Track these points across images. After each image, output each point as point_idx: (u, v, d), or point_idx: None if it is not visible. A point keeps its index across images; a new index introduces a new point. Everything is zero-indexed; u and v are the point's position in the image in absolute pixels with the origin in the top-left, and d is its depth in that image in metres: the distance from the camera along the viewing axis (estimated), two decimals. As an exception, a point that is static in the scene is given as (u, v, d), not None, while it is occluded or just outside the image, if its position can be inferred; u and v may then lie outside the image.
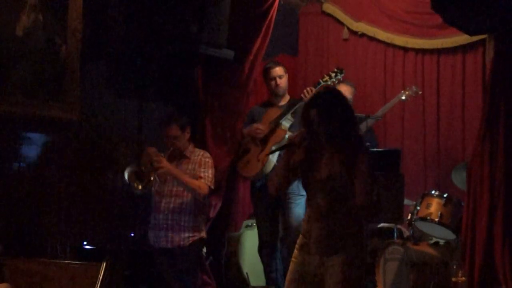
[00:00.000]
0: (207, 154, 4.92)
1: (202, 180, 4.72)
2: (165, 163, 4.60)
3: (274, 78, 5.48)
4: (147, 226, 4.85)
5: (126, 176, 4.56)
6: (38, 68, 4.72)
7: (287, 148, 3.39)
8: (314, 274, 3.31)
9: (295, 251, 3.42)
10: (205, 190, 4.73)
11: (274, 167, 4.97)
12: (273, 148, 3.79)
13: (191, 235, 4.76)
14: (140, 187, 4.59)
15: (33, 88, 4.70)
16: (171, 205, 4.74)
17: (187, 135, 4.85)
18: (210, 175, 4.80)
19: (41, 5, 4.71)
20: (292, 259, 3.43)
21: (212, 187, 4.82)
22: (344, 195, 3.26)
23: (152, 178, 4.62)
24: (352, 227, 3.28)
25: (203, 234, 4.87)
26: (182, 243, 4.72)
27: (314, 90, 5.48)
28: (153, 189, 4.83)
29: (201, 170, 4.78)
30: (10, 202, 4.56)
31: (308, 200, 3.43)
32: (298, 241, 3.43)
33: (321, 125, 3.28)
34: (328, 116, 3.29)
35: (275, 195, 3.73)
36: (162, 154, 4.65)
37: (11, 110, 4.54)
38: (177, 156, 4.82)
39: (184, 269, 4.76)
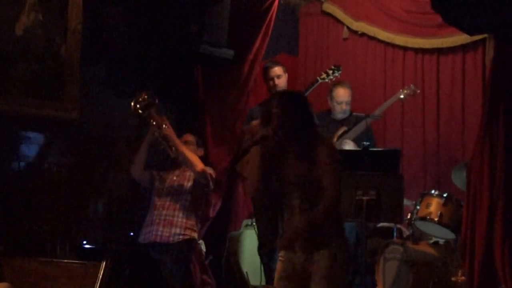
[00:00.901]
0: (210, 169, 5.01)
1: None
2: (168, 124, 4.76)
3: (273, 78, 5.48)
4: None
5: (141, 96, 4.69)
6: (37, 68, 4.72)
7: (262, 142, 3.39)
8: (301, 270, 3.35)
9: (281, 251, 3.47)
10: (201, 166, 4.78)
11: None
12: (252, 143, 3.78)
13: (182, 232, 4.77)
14: (140, 111, 4.70)
15: (33, 87, 4.70)
16: (167, 203, 4.78)
17: (199, 153, 5.02)
18: (210, 169, 4.91)
19: (40, 5, 4.71)
20: (279, 258, 3.47)
21: (211, 173, 4.87)
22: (316, 192, 3.29)
23: (153, 123, 4.72)
24: (330, 221, 3.32)
25: (195, 235, 4.88)
26: (171, 239, 4.73)
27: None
28: (154, 190, 4.84)
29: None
30: (9, 201, 4.56)
31: (284, 202, 3.45)
32: (281, 240, 3.47)
33: (281, 126, 3.33)
34: (286, 117, 3.34)
35: (254, 199, 3.74)
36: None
37: (10, 109, 4.54)
38: (174, 166, 4.94)
39: (174, 267, 4.76)
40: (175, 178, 4.90)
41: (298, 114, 3.38)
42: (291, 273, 3.37)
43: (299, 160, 3.33)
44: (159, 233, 4.73)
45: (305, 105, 3.46)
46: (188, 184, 4.87)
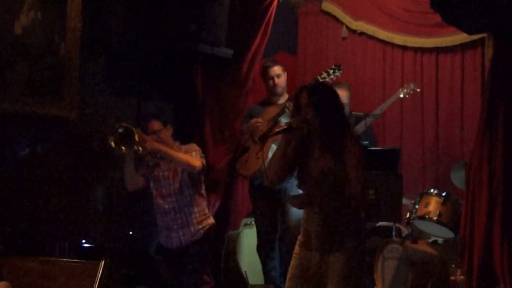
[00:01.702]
0: (194, 145, 4.90)
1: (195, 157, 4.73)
2: (150, 140, 4.62)
3: (272, 77, 5.48)
4: (152, 229, 4.86)
5: (112, 134, 4.57)
6: (37, 66, 4.72)
7: (285, 132, 3.36)
8: (315, 271, 3.31)
9: (296, 247, 3.42)
10: (197, 162, 4.70)
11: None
12: (274, 131, 3.75)
13: (201, 226, 4.81)
14: (123, 148, 4.56)
15: (32, 86, 4.70)
16: (175, 204, 4.76)
17: (170, 131, 4.86)
18: (198, 154, 4.78)
19: (40, 3, 4.71)
20: (294, 254, 3.43)
21: (204, 162, 4.79)
22: (339, 191, 3.25)
23: (136, 139, 4.55)
24: (350, 222, 3.28)
25: (210, 220, 4.92)
26: (195, 237, 4.76)
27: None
28: (153, 191, 4.82)
29: (187, 154, 4.77)
30: (8, 200, 4.56)
31: (306, 194, 3.41)
32: (299, 237, 3.43)
33: (314, 118, 3.28)
34: (321, 110, 3.29)
35: (270, 186, 3.70)
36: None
37: (9, 108, 4.53)
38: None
39: (195, 264, 4.78)
40: (166, 173, 4.82)
41: (331, 107, 3.33)
42: (305, 272, 3.34)
43: (326, 155, 3.28)
44: (182, 237, 4.75)
45: (337, 99, 3.40)
46: (183, 176, 4.81)
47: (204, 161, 4.79)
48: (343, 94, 5.80)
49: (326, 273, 3.28)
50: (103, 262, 4.20)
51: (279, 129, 3.50)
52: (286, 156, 3.35)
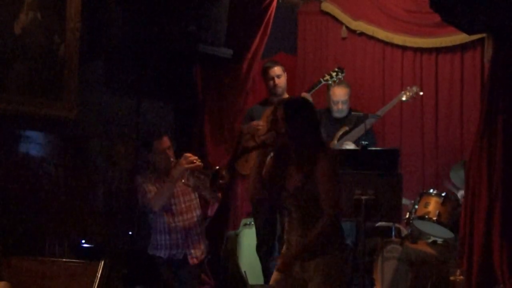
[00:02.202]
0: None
1: None
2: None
3: (273, 78, 5.48)
4: (153, 245, 4.79)
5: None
6: (36, 67, 4.71)
7: (260, 148, 3.37)
8: (297, 278, 3.35)
9: (279, 259, 3.47)
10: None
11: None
12: (249, 148, 3.79)
13: (206, 243, 4.83)
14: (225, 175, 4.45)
15: (31, 86, 4.69)
16: (186, 222, 4.72)
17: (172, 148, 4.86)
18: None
19: (39, 4, 4.70)
20: (276, 266, 3.48)
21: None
22: (314, 204, 3.27)
23: (224, 173, 4.43)
24: (328, 232, 3.29)
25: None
26: (203, 256, 4.77)
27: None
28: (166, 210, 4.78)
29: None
30: (7, 200, 4.55)
31: (285, 210, 3.45)
32: (282, 250, 3.49)
33: (288, 133, 3.29)
34: (294, 125, 3.29)
35: (253, 202, 3.73)
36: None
37: (9, 108, 4.53)
38: (164, 171, 4.76)
39: (190, 275, 4.77)
40: (181, 189, 4.79)
41: (303, 122, 3.32)
42: (287, 280, 3.37)
43: (299, 170, 3.29)
44: (192, 255, 4.71)
45: (312, 113, 3.40)
46: (195, 198, 4.83)
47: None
48: (341, 92, 5.80)
49: (307, 280, 3.32)
50: (102, 262, 4.19)
51: (253, 146, 3.52)
52: (262, 171, 3.38)
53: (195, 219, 4.75)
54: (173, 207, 4.71)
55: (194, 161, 4.56)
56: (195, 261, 4.71)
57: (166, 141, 4.72)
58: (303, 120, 3.33)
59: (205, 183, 4.62)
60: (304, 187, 3.27)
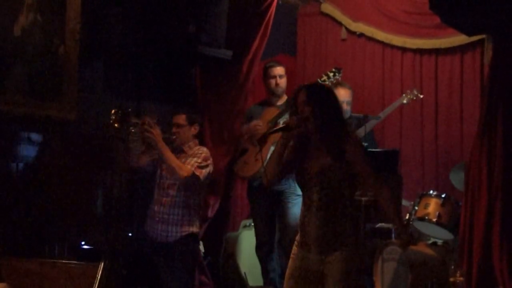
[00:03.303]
0: (204, 148, 4.85)
1: (187, 166, 4.65)
2: (155, 130, 4.56)
3: (275, 77, 5.47)
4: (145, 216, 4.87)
5: (112, 111, 4.54)
6: (36, 68, 4.72)
7: (283, 131, 3.37)
8: (314, 271, 3.31)
9: (294, 248, 3.42)
10: (186, 173, 4.59)
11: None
12: (270, 130, 3.79)
13: (179, 229, 4.72)
14: (116, 124, 4.53)
15: (31, 88, 4.69)
16: (165, 198, 4.74)
17: (194, 131, 4.84)
18: (196, 163, 4.68)
19: (39, 5, 4.71)
20: (292, 255, 3.43)
21: (197, 173, 4.66)
22: (338, 190, 3.27)
23: (132, 130, 4.56)
24: (348, 221, 3.29)
25: (195, 228, 4.79)
26: (168, 239, 4.72)
27: None
28: (156, 180, 4.82)
29: (188, 159, 4.71)
30: (7, 202, 4.55)
31: (303, 197, 3.42)
32: (297, 237, 3.43)
33: (312, 117, 3.29)
34: (318, 108, 3.30)
35: (268, 186, 3.71)
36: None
37: (8, 109, 4.53)
38: (175, 149, 4.76)
39: (174, 265, 4.74)
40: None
41: (329, 106, 3.33)
42: (304, 272, 3.34)
43: (324, 154, 3.28)
44: (162, 232, 4.72)
45: (335, 98, 3.42)
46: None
47: (201, 172, 4.68)
48: (345, 93, 5.80)
49: (325, 273, 3.28)
50: (102, 264, 4.19)
51: (277, 128, 3.51)
52: (284, 155, 3.36)
53: (172, 197, 4.72)
54: (161, 180, 4.77)
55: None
56: (162, 239, 4.71)
57: (178, 118, 4.83)
58: (327, 103, 3.34)
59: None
60: (330, 169, 3.25)
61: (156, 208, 4.76)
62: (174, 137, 4.78)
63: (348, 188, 3.29)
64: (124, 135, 4.69)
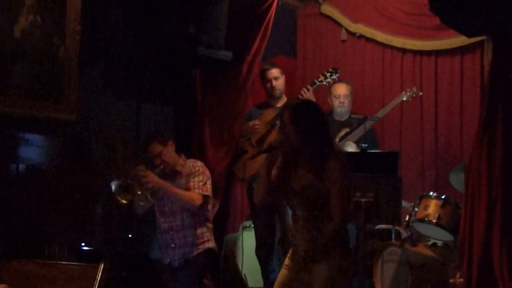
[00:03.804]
0: (198, 163, 4.80)
1: (195, 190, 4.63)
2: (152, 177, 4.51)
3: (270, 80, 5.49)
4: (152, 245, 4.87)
5: (112, 188, 4.50)
6: (36, 69, 4.71)
7: (269, 152, 3.39)
8: (302, 281, 3.36)
9: (286, 259, 3.47)
10: (198, 200, 4.61)
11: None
12: (256, 152, 3.83)
13: (195, 248, 4.74)
14: (124, 201, 4.51)
15: (31, 89, 4.69)
16: (173, 224, 4.72)
17: (171, 148, 4.75)
18: (200, 182, 4.67)
19: (39, 6, 4.70)
20: (283, 265, 3.48)
21: (206, 193, 4.68)
22: (322, 204, 3.28)
23: (139, 192, 4.52)
24: (334, 233, 3.30)
25: (211, 244, 4.79)
26: (188, 256, 4.73)
27: (311, 89, 5.53)
28: (155, 208, 4.81)
29: (190, 180, 4.68)
30: (7, 203, 4.55)
31: (291, 211, 3.46)
32: (290, 250, 3.48)
33: (296, 136, 3.29)
34: (301, 127, 3.30)
35: (260, 206, 3.74)
36: (151, 170, 4.60)
37: (8, 111, 4.53)
38: (169, 174, 4.74)
39: (188, 276, 4.75)
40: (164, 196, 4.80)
41: (311, 123, 3.33)
42: (291, 280, 3.39)
43: (307, 171, 3.29)
44: (177, 256, 4.73)
45: (319, 115, 3.40)
46: None
47: (207, 188, 4.69)
48: (343, 87, 5.81)
49: (311, 282, 3.33)
50: (102, 265, 4.19)
51: (262, 149, 3.54)
52: (271, 175, 3.37)
53: (181, 221, 4.72)
54: (162, 208, 4.76)
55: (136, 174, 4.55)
56: (177, 262, 4.72)
57: (154, 148, 4.68)
58: (311, 121, 3.33)
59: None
60: (311, 185, 3.26)
61: (168, 236, 4.74)
62: (162, 167, 4.70)
63: (330, 204, 3.27)
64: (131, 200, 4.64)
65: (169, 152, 4.73)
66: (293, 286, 3.39)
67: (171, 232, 4.71)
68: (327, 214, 3.26)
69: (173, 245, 4.71)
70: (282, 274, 3.45)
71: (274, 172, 3.38)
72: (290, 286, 3.39)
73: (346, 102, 5.81)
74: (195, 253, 4.72)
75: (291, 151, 3.34)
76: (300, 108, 3.39)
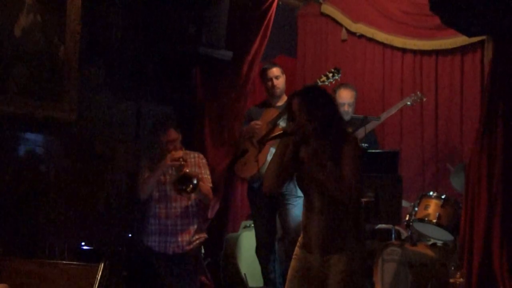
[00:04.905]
0: (201, 155, 5.05)
1: (208, 184, 4.86)
2: (189, 165, 4.77)
3: (271, 79, 5.48)
4: (145, 231, 4.88)
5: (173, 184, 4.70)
6: (36, 69, 4.71)
7: (281, 137, 3.36)
8: (317, 272, 3.31)
9: (296, 249, 3.43)
10: (211, 194, 4.90)
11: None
12: (268, 137, 3.80)
13: (197, 237, 4.84)
14: (188, 189, 4.68)
15: (31, 88, 4.69)
16: (178, 210, 4.77)
17: (179, 137, 4.95)
18: (209, 176, 4.94)
19: (39, 6, 4.71)
20: (294, 255, 3.43)
21: (212, 186, 4.97)
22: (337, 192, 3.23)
23: (195, 182, 4.68)
24: (349, 224, 3.29)
25: (205, 234, 5.01)
26: (189, 247, 4.76)
27: None
28: (154, 196, 4.83)
29: (202, 172, 4.87)
30: (7, 203, 4.55)
31: (305, 200, 3.42)
32: (300, 239, 3.44)
33: (308, 122, 3.27)
34: (311, 112, 3.27)
35: (269, 194, 3.71)
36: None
37: (9, 110, 4.53)
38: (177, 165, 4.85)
39: (187, 271, 4.77)
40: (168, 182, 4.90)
41: (325, 109, 3.30)
42: (306, 273, 3.34)
43: (323, 156, 3.24)
44: (179, 244, 4.78)
45: (330, 99, 3.38)
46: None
47: (210, 178, 4.97)
48: (347, 94, 5.81)
49: (327, 275, 3.29)
50: (102, 265, 4.19)
51: (274, 135, 3.50)
52: (283, 162, 3.34)
53: (185, 208, 4.77)
54: (163, 193, 4.82)
55: (177, 160, 4.72)
56: (179, 250, 4.78)
57: (170, 134, 4.86)
58: (322, 106, 3.30)
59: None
60: (328, 171, 3.21)
61: (169, 222, 4.79)
62: (173, 152, 4.83)
63: (349, 190, 3.24)
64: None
65: (178, 141, 4.92)
66: (307, 278, 3.33)
67: (174, 217, 4.75)
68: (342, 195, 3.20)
69: (174, 231, 4.75)
70: (293, 265, 3.40)
71: (285, 160, 3.32)
72: (304, 278, 3.33)
73: (350, 109, 5.81)
74: (197, 242, 4.82)
75: (304, 138, 3.29)
76: (310, 93, 3.36)
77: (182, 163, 4.70)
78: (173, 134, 4.86)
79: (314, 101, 3.31)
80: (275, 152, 3.39)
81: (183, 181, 4.67)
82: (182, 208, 4.80)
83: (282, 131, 3.40)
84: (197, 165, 4.91)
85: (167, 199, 4.82)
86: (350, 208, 3.27)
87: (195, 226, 4.84)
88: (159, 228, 4.82)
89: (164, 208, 4.81)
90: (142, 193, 4.82)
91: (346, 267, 3.24)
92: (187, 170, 4.68)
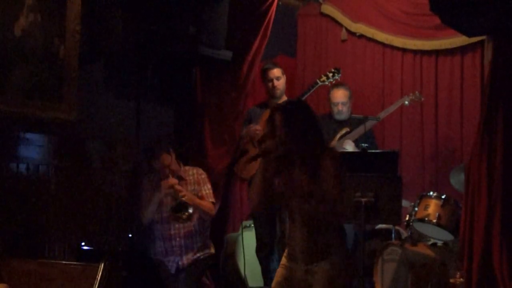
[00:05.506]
0: (201, 170, 5.05)
1: (209, 200, 4.89)
2: (184, 191, 4.77)
3: (272, 80, 5.48)
4: (152, 251, 4.96)
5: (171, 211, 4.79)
6: (36, 69, 4.71)
7: (262, 156, 3.35)
8: (301, 281, 3.34)
9: (283, 258, 3.46)
10: (213, 210, 4.93)
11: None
12: (255, 155, 3.82)
13: (202, 253, 4.90)
14: (184, 216, 4.77)
15: (31, 89, 4.69)
16: (182, 231, 4.79)
17: (173, 156, 4.95)
18: (210, 190, 4.95)
19: (39, 6, 4.70)
20: (280, 265, 3.47)
21: (214, 201, 5.00)
22: (319, 205, 3.24)
23: (190, 205, 4.77)
24: (333, 234, 3.31)
25: (212, 250, 5.05)
26: (192, 261, 4.85)
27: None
28: (157, 217, 4.86)
29: (201, 188, 4.90)
30: (8, 203, 4.55)
31: (288, 212, 3.43)
32: (286, 250, 3.46)
33: (288, 138, 3.27)
34: (293, 129, 3.27)
35: (255, 211, 3.72)
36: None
37: (9, 110, 4.52)
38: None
39: (189, 281, 4.80)
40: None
41: (302, 124, 3.29)
42: (290, 280, 3.37)
43: (303, 172, 3.26)
44: (184, 261, 4.83)
45: (309, 114, 3.37)
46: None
47: (213, 195, 5.02)
48: (341, 94, 5.81)
49: (310, 283, 3.31)
50: (102, 265, 4.19)
51: (255, 155, 3.52)
52: (266, 180, 3.34)
53: (189, 228, 4.80)
54: (166, 215, 4.86)
55: (171, 187, 4.77)
56: (180, 266, 4.84)
57: (163, 160, 4.86)
58: (302, 122, 3.30)
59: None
60: (308, 187, 3.23)
61: (174, 243, 4.83)
62: (170, 176, 4.89)
63: (330, 204, 3.25)
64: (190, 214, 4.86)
65: (173, 161, 4.93)
66: (291, 286, 3.36)
67: (178, 239, 4.77)
68: (325, 214, 3.23)
69: (179, 251, 4.77)
70: (279, 273, 3.43)
71: (268, 176, 3.32)
72: (288, 286, 3.37)
73: (345, 109, 5.80)
74: (201, 257, 4.88)
75: (284, 155, 3.30)
76: (290, 110, 3.35)
77: (177, 188, 4.75)
78: (166, 159, 4.87)
79: (294, 116, 3.30)
80: (257, 171, 3.40)
81: (179, 208, 4.77)
82: (186, 228, 4.82)
83: (261, 150, 3.37)
84: (196, 182, 4.93)
85: (171, 220, 4.86)
86: (332, 223, 3.29)
87: (199, 244, 4.87)
88: (165, 249, 4.89)
89: (168, 230, 4.86)
90: (143, 219, 4.91)
91: (329, 275, 3.26)
92: (183, 198, 4.72)
